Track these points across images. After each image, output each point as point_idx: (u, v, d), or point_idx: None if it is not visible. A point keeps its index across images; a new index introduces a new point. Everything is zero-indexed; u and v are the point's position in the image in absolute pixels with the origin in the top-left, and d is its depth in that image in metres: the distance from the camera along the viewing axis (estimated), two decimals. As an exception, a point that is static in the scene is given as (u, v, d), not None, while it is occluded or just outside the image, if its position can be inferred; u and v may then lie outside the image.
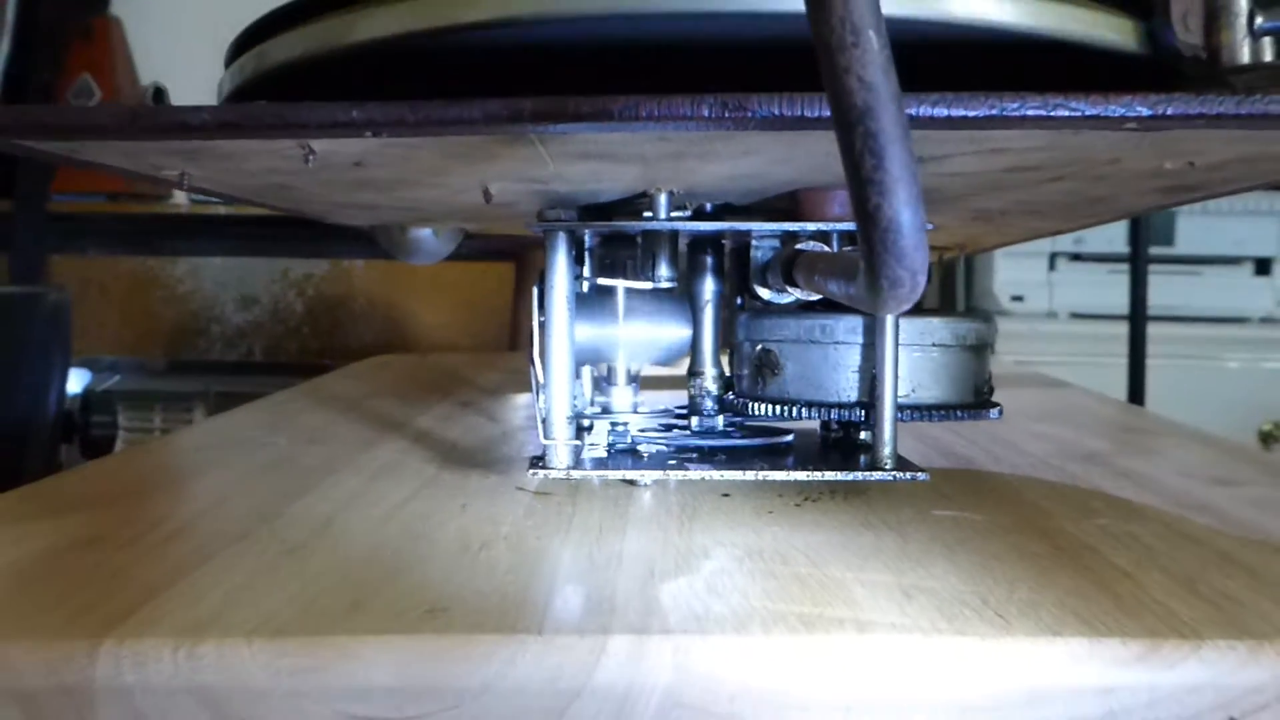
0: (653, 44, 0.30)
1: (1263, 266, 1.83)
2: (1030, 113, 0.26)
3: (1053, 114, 0.26)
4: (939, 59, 0.30)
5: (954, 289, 1.82)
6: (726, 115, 0.26)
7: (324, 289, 1.83)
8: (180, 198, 1.97)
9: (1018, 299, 1.80)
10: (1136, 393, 1.48)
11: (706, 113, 0.26)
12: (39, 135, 0.28)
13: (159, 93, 0.30)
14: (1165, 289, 1.76)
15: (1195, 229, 1.82)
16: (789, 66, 0.26)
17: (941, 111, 0.26)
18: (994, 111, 0.26)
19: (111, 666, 0.27)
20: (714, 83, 0.28)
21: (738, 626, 0.28)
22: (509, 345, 1.67)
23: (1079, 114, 0.26)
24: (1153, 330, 1.67)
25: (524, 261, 1.74)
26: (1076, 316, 1.81)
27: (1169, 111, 0.26)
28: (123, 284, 1.82)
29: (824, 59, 0.19)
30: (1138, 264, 1.45)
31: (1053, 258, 1.80)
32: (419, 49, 0.30)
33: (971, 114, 0.26)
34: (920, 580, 0.32)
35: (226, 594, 0.31)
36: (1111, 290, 1.65)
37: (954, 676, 0.27)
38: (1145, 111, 0.26)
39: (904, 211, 0.19)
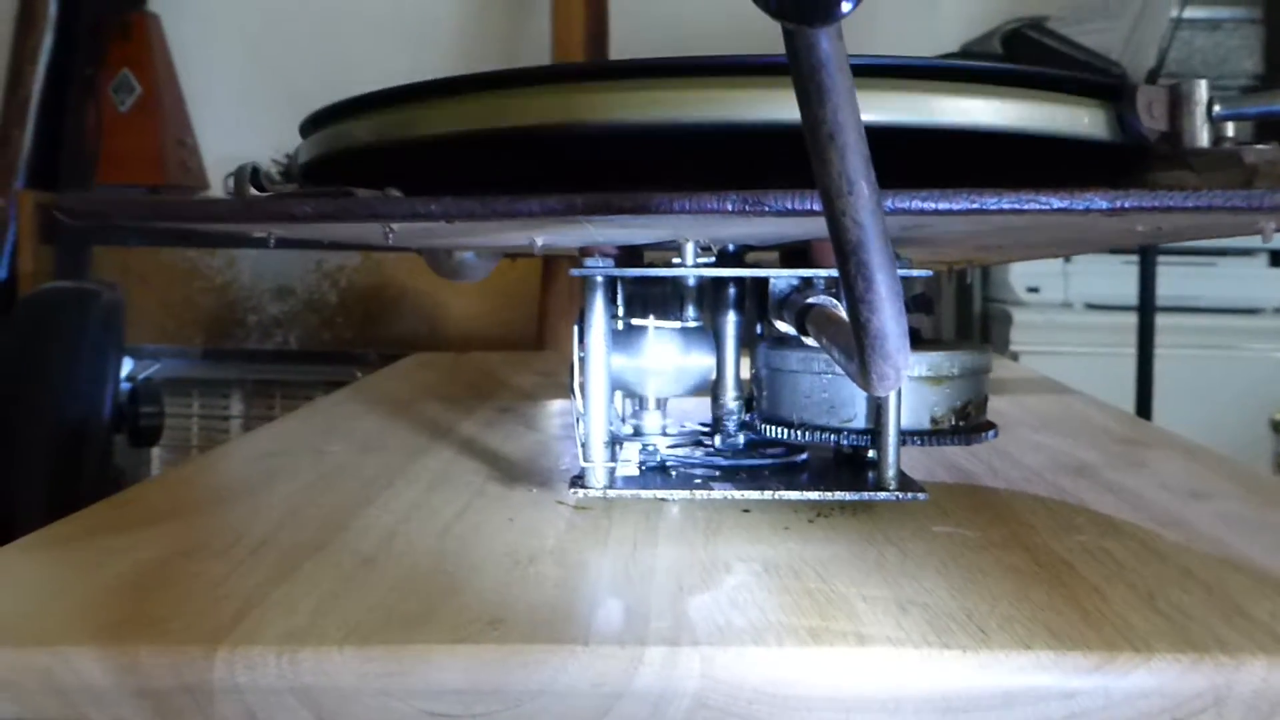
0: (662, 136, 0.34)
1: (1277, 258, 1.85)
2: (1006, 206, 0.31)
3: (1025, 207, 0.31)
4: (938, 153, 0.35)
5: (970, 283, 1.85)
6: (746, 209, 0.31)
7: (357, 280, 1.88)
8: (218, 191, 2.02)
9: (1034, 290, 1.83)
10: (1144, 382, 1.52)
11: (730, 207, 0.31)
12: (172, 219, 0.33)
13: (255, 171, 0.35)
14: (1180, 280, 1.79)
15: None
16: (787, 150, 0.31)
17: (930, 205, 0.31)
18: (974, 205, 0.31)
19: (226, 669, 0.32)
20: (718, 163, 0.33)
21: (755, 638, 0.33)
22: (536, 338, 1.72)
23: (1047, 207, 0.31)
24: (1167, 321, 1.71)
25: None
26: (1092, 307, 1.84)
27: (1125, 205, 0.31)
28: (163, 275, 1.88)
29: (825, 202, 0.23)
30: (1146, 256, 1.49)
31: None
32: (473, 142, 0.35)
33: (956, 208, 0.31)
34: (915, 595, 0.37)
35: (317, 604, 0.36)
36: (1126, 281, 1.69)
37: (939, 683, 0.32)
38: (1104, 205, 0.31)
39: (889, 323, 0.23)
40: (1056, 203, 0.31)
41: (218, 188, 2.02)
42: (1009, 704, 0.32)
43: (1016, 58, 0.87)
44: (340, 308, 1.88)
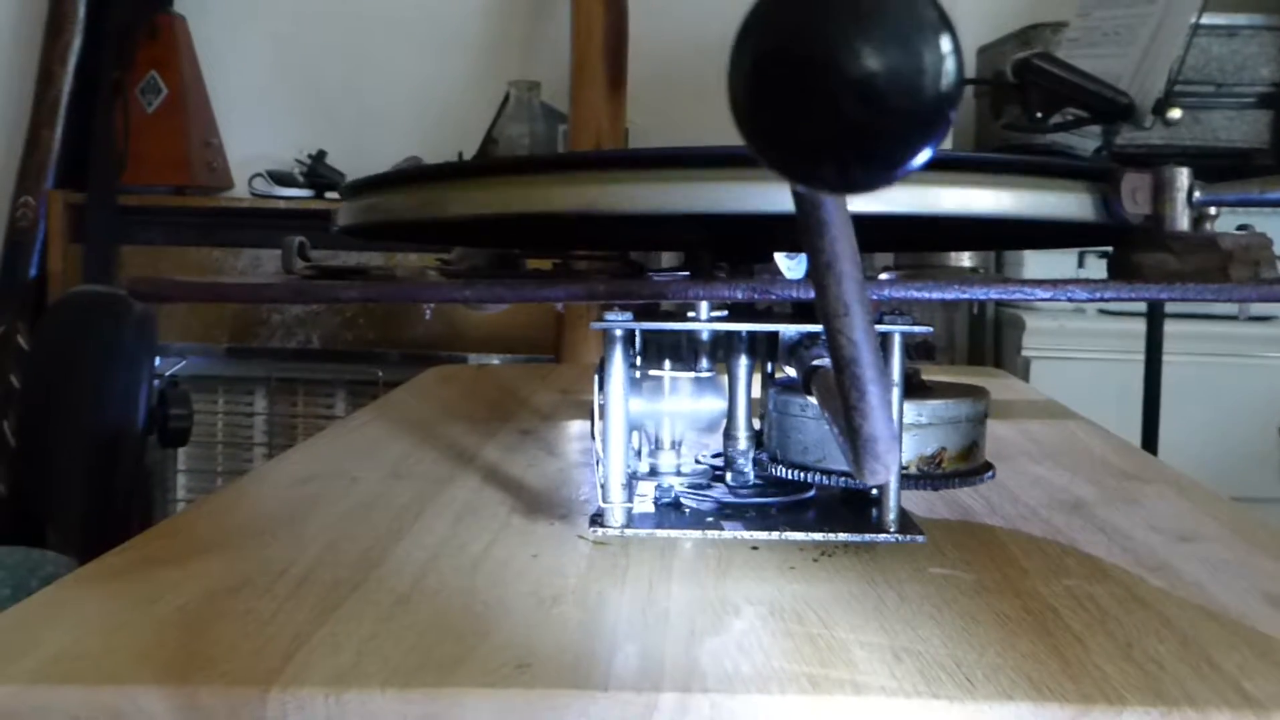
0: (668, 219, 0.37)
1: (1289, 266, 1.87)
2: (994, 295, 0.34)
3: (1010, 297, 0.34)
4: (940, 233, 0.38)
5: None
6: (755, 295, 0.34)
7: (379, 280, 1.92)
8: (242, 191, 2.06)
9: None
10: (1152, 391, 1.54)
11: (740, 295, 0.34)
12: (227, 300, 0.36)
13: (303, 245, 0.38)
14: (1192, 287, 1.80)
15: (1222, 228, 1.86)
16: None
17: (924, 295, 0.34)
18: (963, 294, 0.33)
19: (278, 709, 0.35)
20: (728, 235, 0.36)
21: (760, 686, 0.36)
22: (554, 344, 1.75)
23: (1031, 297, 0.34)
24: (1179, 328, 1.73)
25: (569, 258, 1.82)
26: (1104, 313, 1.86)
27: (1105, 295, 0.34)
28: (189, 273, 1.92)
29: (823, 320, 0.26)
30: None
31: (1081, 255, 1.85)
32: (499, 222, 0.37)
33: (948, 296, 0.34)
34: (910, 643, 0.39)
35: (359, 645, 0.39)
36: (1138, 289, 1.70)
37: (927, 730, 0.35)
38: (1084, 295, 0.33)
39: (879, 428, 0.26)
40: (1040, 294, 0.34)
41: (242, 188, 2.06)
42: (992, 750, 0.34)
43: (1027, 86, 0.89)
44: (361, 308, 1.91)
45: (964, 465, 0.49)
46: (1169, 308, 1.67)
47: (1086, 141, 1.47)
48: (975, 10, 2.24)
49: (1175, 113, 1.96)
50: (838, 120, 0.17)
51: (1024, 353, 1.83)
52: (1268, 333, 1.85)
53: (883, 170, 0.17)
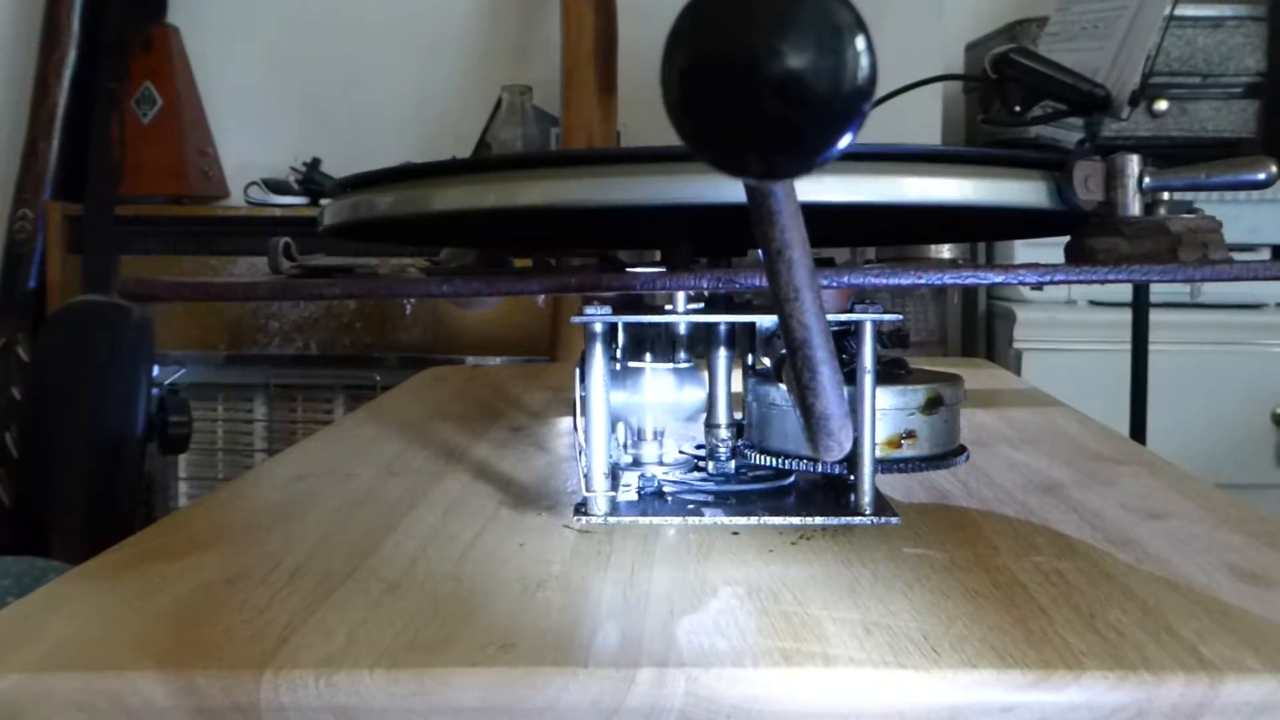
0: (634, 212, 0.39)
1: (1278, 254, 1.88)
2: (948, 280, 0.35)
3: (964, 282, 0.35)
4: (903, 220, 0.39)
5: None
6: (720, 286, 0.35)
7: (375, 285, 1.94)
8: (238, 199, 2.07)
9: (1037, 287, 1.87)
10: (1139, 379, 1.55)
11: (705, 284, 0.35)
12: (219, 298, 0.37)
13: (288, 246, 0.39)
14: (1182, 276, 1.82)
15: (1223, 216, 1.87)
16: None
17: (882, 280, 0.35)
18: (920, 281, 0.35)
19: (272, 691, 0.37)
20: (701, 227, 0.37)
21: (735, 660, 0.37)
22: (549, 343, 1.77)
23: (984, 281, 0.35)
24: (1171, 317, 1.74)
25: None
26: (1095, 304, 1.87)
27: (1055, 279, 0.35)
28: (187, 282, 1.93)
29: (776, 305, 0.28)
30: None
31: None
32: (479, 217, 0.39)
33: (905, 283, 0.35)
34: (880, 617, 0.41)
35: (349, 630, 0.40)
36: (1128, 279, 1.72)
37: (894, 699, 0.36)
38: (1033, 278, 0.35)
39: (831, 406, 0.28)
40: (992, 277, 0.35)
41: (238, 196, 2.07)
42: (956, 717, 0.36)
43: (1004, 81, 0.90)
44: (359, 313, 1.93)
45: (893, 452, 0.51)
46: (1159, 296, 1.69)
47: (1071, 134, 1.49)
48: (963, 8, 2.26)
49: (1161, 104, 1.97)
50: (763, 115, 0.18)
51: (1016, 345, 1.85)
52: (1261, 320, 1.87)
53: (805, 158, 0.18)
